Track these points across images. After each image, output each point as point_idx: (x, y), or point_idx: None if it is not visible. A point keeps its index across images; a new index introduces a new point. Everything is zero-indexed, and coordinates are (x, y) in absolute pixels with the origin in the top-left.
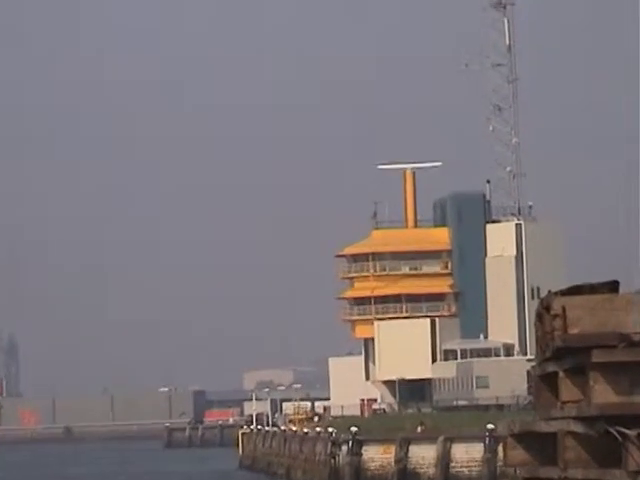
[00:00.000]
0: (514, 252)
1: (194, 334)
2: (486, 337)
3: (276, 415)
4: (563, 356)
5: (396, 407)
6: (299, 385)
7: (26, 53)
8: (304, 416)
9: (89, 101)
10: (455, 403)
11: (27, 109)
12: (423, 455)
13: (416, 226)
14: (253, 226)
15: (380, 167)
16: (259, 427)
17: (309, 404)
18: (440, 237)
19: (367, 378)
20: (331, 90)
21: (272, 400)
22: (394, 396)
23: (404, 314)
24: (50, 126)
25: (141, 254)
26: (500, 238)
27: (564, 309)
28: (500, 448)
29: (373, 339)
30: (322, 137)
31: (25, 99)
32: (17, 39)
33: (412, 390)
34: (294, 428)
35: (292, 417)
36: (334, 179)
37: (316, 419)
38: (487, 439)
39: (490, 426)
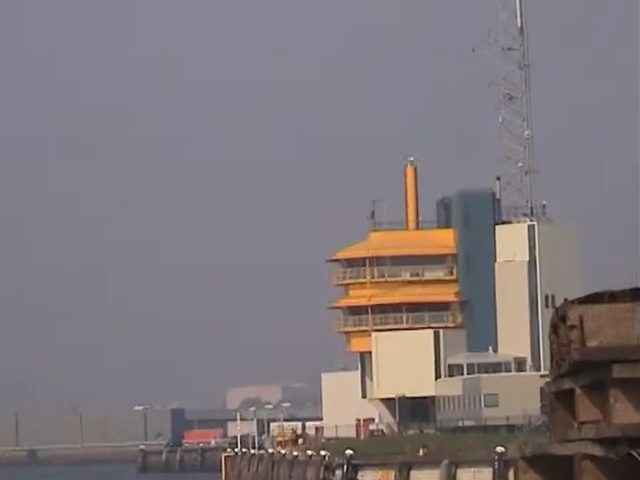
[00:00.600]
0: (526, 256)
1: (172, 346)
2: (495, 350)
3: (263, 436)
4: (580, 371)
5: (395, 428)
6: (288, 403)
7: (26, 53)
8: (286, 438)
9: (88, 101)
10: (461, 423)
11: (27, 109)
12: None
13: (418, 228)
14: (239, 226)
15: (410, 159)
16: (244, 450)
17: (299, 424)
18: (444, 240)
19: (364, 396)
20: (329, 88)
21: (258, 420)
22: (393, 416)
23: (405, 325)
24: (50, 126)
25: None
26: (511, 241)
27: (582, 319)
28: (511, 473)
29: (370, 353)
30: (319, 135)
31: (25, 99)
32: (17, 39)
33: (413, 409)
34: (283, 451)
35: (276, 439)
36: (328, 176)
37: (300, 442)
38: (496, 463)
39: (500, 449)
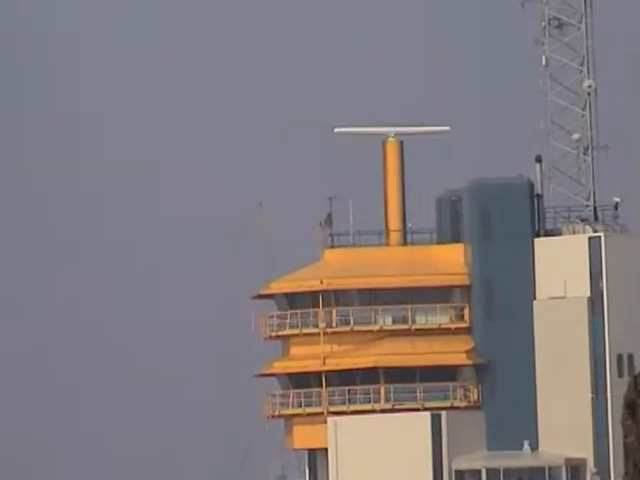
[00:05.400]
0: (587, 290)
1: None
2: (535, 447)
3: None
4: None
5: None
6: None
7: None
8: None
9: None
10: None
11: (27, 111)
12: None
13: (405, 242)
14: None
15: (337, 130)
16: None
17: None
18: (450, 262)
19: None
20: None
21: None
22: None
23: (383, 404)
24: (51, 123)
25: None
26: (561, 264)
27: None
28: None
29: (325, 450)
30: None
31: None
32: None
33: None
34: None
35: None
36: (255, 158)
37: None
38: None
39: None
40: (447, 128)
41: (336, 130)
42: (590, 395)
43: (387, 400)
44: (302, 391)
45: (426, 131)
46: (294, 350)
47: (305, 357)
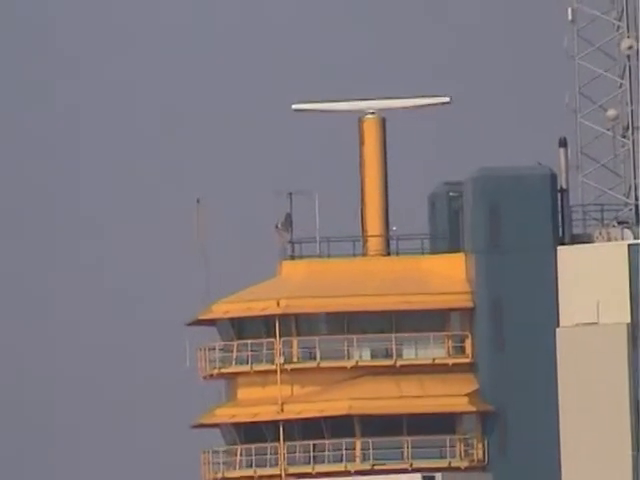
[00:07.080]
0: (627, 315)
1: None
2: None
3: None
4: None
5: None
6: None
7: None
8: None
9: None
10: None
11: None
12: None
13: (389, 252)
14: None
15: (295, 107)
16: None
17: None
18: (447, 278)
19: None
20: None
21: None
22: None
23: (358, 464)
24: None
25: None
26: (593, 280)
27: None
28: None
29: None
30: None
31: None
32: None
33: None
34: None
35: None
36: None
37: None
38: None
39: None
40: (447, 99)
41: (294, 107)
42: (630, 452)
43: (364, 459)
44: (253, 447)
45: (420, 104)
46: (243, 393)
47: (257, 402)
